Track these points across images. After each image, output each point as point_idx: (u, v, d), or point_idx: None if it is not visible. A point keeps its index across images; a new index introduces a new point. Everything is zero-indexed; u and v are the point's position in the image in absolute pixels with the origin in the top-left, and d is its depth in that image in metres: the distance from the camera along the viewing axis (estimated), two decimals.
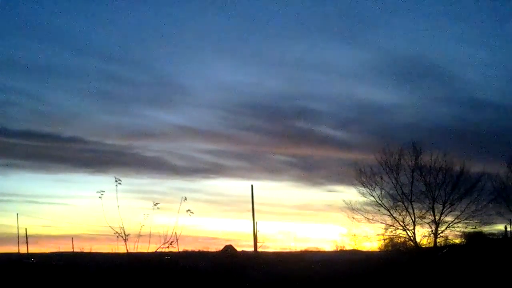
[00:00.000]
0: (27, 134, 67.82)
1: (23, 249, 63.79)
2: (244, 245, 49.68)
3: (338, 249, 45.26)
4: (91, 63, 74.36)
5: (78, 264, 34.33)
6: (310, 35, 70.10)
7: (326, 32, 68.28)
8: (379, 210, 33.94)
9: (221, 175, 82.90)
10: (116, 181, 16.81)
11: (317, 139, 63.02)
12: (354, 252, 38.95)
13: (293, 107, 67.68)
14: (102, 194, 16.54)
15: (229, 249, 40.87)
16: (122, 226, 18.61)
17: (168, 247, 25.77)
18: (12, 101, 73.16)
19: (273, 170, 69.49)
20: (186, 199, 18.16)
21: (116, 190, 15.60)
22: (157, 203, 17.88)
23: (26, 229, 76.99)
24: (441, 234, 33.52)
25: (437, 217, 33.20)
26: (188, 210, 17.71)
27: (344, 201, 35.31)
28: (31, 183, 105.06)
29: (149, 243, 26.25)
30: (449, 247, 33.34)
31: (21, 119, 76.28)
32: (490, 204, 32.61)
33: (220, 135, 69.77)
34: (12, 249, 70.30)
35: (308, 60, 70.25)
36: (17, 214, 69.27)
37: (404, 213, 33.55)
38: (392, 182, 33.78)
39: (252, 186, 46.63)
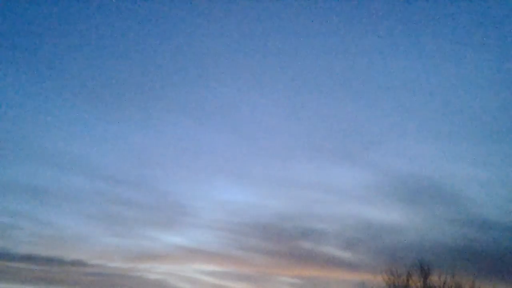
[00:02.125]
0: (30, 258, 67.24)
1: None
2: None
3: None
4: (95, 185, 75.16)
5: None
6: (314, 155, 71.24)
7: (331, 152, 69.44)
8: None
9: None
10: None
11: (323, 259, 62.13)
12: None
13: (298, 227, 67.34)
14: None
15: None
16: None
17: None
18: (15, 224, 73.25)
19: None
20: None
21: None
22: None
23: None
24: None
25: None
26: None
27: None
28: None
29: None
30: None
31: (24, 242, 75.96)
32: None
33: (224, 256, 68.86)
34: None
35: (312, 180, 70.79)
36: None
37: None
38: None
39: None
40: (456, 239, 54.07)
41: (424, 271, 33.27)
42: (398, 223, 66.92)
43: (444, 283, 32.85)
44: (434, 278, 33.19)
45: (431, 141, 67.56)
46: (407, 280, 33.38)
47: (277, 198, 76.74)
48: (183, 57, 70.40)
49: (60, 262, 68.70)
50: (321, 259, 63.53)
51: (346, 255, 69.51)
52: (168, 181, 75.99)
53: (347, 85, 68.90)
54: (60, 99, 72.13)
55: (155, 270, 75.13)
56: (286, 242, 68.79)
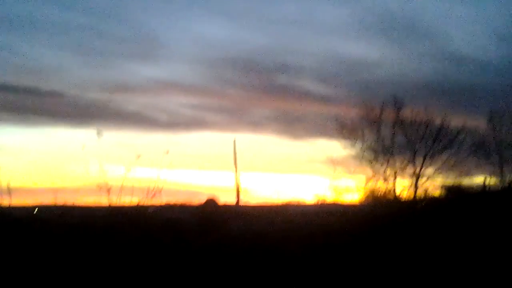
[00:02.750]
0: (5, 87, 66.51)
1: (5, 202, 63.45)
2: (227, 198, 49.98)
3: (319, 202, 45.79)
4: (70, 16, 72.59)
5: (61, 217, 34.35)
6: None
7: None
8: (360, 162, 34.50)
9: (203, 128, 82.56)
10: (98, 133, 16.82)
11: (299, 93, 62.76)
12: (335, 205, 39.44)
13: (275, 62, 66.97)
14: (84, 147, 16.55)
15: (211, 202, 41.13)
16: (104, 179, 18.74)
17: (151, 199, 25.99)
18: None
19: (255, 124, 69.31)
20: (168, 152, 18.23)
21: (98, 143, 15.70)
22: (139, 156, 17.97)
23: (8, 182, 76.62)
24: (421, 187, 34.19)
25: (417, 170, 33.84)
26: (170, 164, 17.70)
27: (325, 154, 35.80)
28: (11, 136, 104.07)
29: (132, 196, 26.48)
30: (428, 199, 33.98)
31: None
32: (470, 157, 33.33)
33: (201, 89, 69.01)
34: None
35: (289, 15, 69.20)
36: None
37: (385, 165, 34.14)
38: (374, 136, 34.27)
39: (234, 140, 46.88)
40: (430, 74, 54.74)
41: (397, 105, 33.97)
42: (374, 58, 66.89)
43: (416, 117, 33.76)
44: (406, 112, 34.03)
45: None
46: (380, 114, 34.16)
47: (256, 32, 75.44)
48: None
49: (36, 92, 68.34)
50: (297, 93, 64.21)
51: (322, 89, 70.31)
52: (143, 11, 73.59)
53: None
54: None
55: (132, 102, 75.42)
56: (263, 76, 68.91)
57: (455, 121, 34.23)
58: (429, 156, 33.70)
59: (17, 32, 71.51)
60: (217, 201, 42.20)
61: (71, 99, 67.96)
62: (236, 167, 45.60)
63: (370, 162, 34.24)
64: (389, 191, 34.51)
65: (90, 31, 69.99)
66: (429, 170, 33.95)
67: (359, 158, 34.58)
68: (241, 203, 46.63)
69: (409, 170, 34.09)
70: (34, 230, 27.33)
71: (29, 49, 70.96)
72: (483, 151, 33.93)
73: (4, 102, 67.32)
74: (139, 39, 69.91)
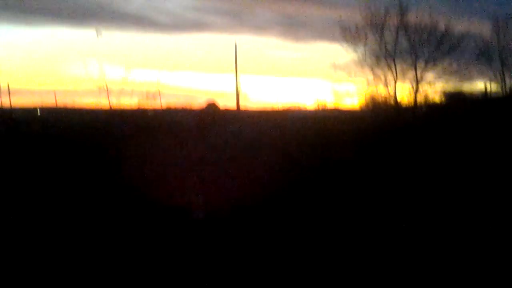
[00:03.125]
0: None
1: (5, 103, 63.61)
2: (227, 102, 49.98)
3: (320, 107, 45.81)
4: None
5: (63, 118, 34.50)
6: None
7: None
8: (361, 67, 34.18)
9: (204, 30, 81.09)
10: (97, 33, 16.44)
11: None
12: (335, 111, 39.46)
13: None
14: (84, 47, 16.18)
15: (211, 106, 41.06)
16: (104, 81, 18.59)
17: (150, 102, 25.91)
18: None
19: (257, 26, 68.01)
20: (168, 54, 17.87)
21: (97, 43, 15.40)
22: (139, 57, 17.67)
23: (8, 83, 76.51)
24: (421, 92, 34.06)
25: (418, 75, 33.57)
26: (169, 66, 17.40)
27: (327, 58, 35.57)
28: (11, 35, 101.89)
29: (131, 97, 26.37)
30: (429, 105, 33.94)
31: None
32: (472, 63, 32.99)
33: None
34: None
35: None
36: None
37: (386, 70, 33.87)
38: (376, 40, 33.74)
39: (235, 43, 46.18)
40: None
41: (401, 9, 33.17)
42: None
43: (420, 21, 33.08)
44: (410, 16, 33.29)
45: None
46: (384, 18, 33.43)
47: None
48: None
49: None
50: None
51: None
52: None
53: None
54: None
55: (132, 2, 73.42)
56: None
57: (459, 26, 33.59)
58: (431, 61, 33.28)
59: None
60: (217, 105, 42.19)
61: None
62: (236, 71, 45.21)
63: (372, 66, 33.92)
64: (390, 96, 34.43)
65: None
66: (430, 76, 33.71)
67: (361, 62, 34.23)
68: (242, 107, 46.66)
69: (410, 75, 33.86)
70: (34, 130, 27.56)
71: None
72: (485, 57, 33.52)
73: (3, 0, 65.67)
74: None
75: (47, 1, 63.41)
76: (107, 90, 20.88)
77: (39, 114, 39.92)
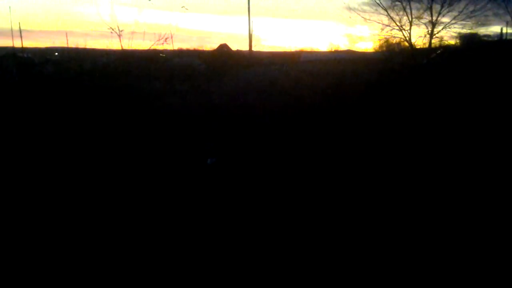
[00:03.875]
0: None
1: (17, 43, 63.70)
2: (239, 45, 49.55)
3: (333, 50, 45.31)
4: None
5: (74, 58, 34.43)
6: None
7: None
8: (376, 9, 33.64)
9: None
10: None
11: None
12: (349, 53, 39.06)
13: None
14: None
15: (223, 48, 40.62)
16: (116, 22, 18.43)
17: (162, 44, 25.81)
18: None
19: None
20: None
21: None
22: None
23: (19, 23, 76.26)
24: (436, 35, 33.59)
25: (434, 18, 33.01)
26: (183, 7, 17.34)
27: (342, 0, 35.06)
28: None
29: (143, 40, 26.30)
30: (444, 48, 33.45)
31: None
32: (488, 5, 32.25)
33: None
34: (6, 43, 69.68)
35: None
36: (10, 7, 67.95)
37: (401, 13, 33.36)
38: None
39: None
40: None
41: None
42: None
43: None
44: None
45: None
46: None
47: None
48: None
49: None
50: None
51: None
52: None
53: None
54: None
55: None
56: None
57: None
58: (447, 2, 32.66)
59: None
60: (229, 47, 41.76)
61: None
62: (249, 13, 44.54)
63: (387, 9, 33.34)
64: (404, 39, 33.97)
65: None
66: (446, 19, 33.12)
67: (375, 5, 33.65)
68: (254, 49, 46.26)
69: (426, 18, 33.28)
70: (46, 71, 27.59)
71: None
72: None
73: None
74: None
75: None
76: (119, 32, 20.68)
77: (56, 56, 39.80)
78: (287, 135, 11.07)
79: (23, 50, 52.46)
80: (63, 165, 8.91)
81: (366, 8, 34.08)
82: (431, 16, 32.98)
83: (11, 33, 67.49)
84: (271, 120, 12.89)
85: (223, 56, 35.38)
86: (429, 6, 32.88)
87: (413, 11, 33.18)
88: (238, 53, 42.05)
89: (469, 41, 33.76)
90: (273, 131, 11.52)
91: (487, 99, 15.04)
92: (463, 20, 32.70)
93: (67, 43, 57.73)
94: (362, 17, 33.97)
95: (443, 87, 17.81)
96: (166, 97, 17.39)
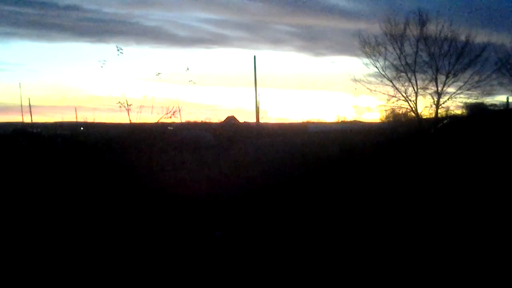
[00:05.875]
0: (24, 1, 65.34)
1: (26, 119, 64.76)
2: (246, 116, 50.07)
3: (340, 121, 45.64)
4: None
5: (82, 133, 34.71)
6: None
7: None
8: (381, 81, 33.96)
9: (223, 44, 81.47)
10: (118, 50, 16.53)
11: (320, 7, 61.22)
12: (355, 123, 39.30)
13: None
14: (104, 64, 16.33)
15: (231, 120, 41.01)
16: (124, 97, 18.64)
17: (170, 117, 25.93)
18: None
19: (275, 40, 68.13)
20: (188, 69, 17.95)
21: (117, 59, 15.47)
22: (159, 73, 17.77)
23: (29, 99, 77.61)
24: (442, 105, 33.74)
25: (439, 88, 33.28)
26: (190, 81, 17.59)
27: (347, 71, 35.44)
28: (32, 52, 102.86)
29: (151, 113, 26.42)
30: (450, 118, 33.57)
31: None
32: (493, 75, 32.54)
33: (221, 3, 67.56)
34: (15, 118, 70.87)
35: None
36: (19, 84, 69.41)
37: (406, 84, 33.62)
38: (396, 53, 33.52)
39: (254, 57, 46.21)
40: None
41: (422, 19, 32.92)
42: None
43: (441, 32, 32.81)
44: (431, 27, 33.03)
45: None
46: (404, 29, 33.21)
47: None
48: None
49: (54, 5, 67.13)
50: (318, 7, 62.66)
51: (343, 3, 68.39)
52: None
53: None
54: None
55: (151, 17, 74.12)
56: None
57: (480, 37, 33.27)
58: (452, 73, 33.01)
59: None
60: (236, 119, 42.16)
61: (89, 14, 67.06)
62: (256, 86, 45.18)
63: (392, 80, 33.73)
64: (411, 110, 34.19)
65: None
66: (451, 89, 33.42)
67: (381, 76, 34.07)
68: (261, 121, 46.68)
69: (431, 88, 33.60)
70: (56, 145, 27.73)
71: None
72: (507, 68, 33.14)
73: (23, 17, 66.51)
74: None
75: (68, 17, 64.26)
76: (128, 106, 20.87)
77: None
78: (294, 208, 10.96)
79: (32, 125, 53.22)
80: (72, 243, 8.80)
81: (371, 79, 34.40)
82: (437, 86, 33.29)
83: (21, 109, 68.84)
84: (278, 192, 12.77)
85: (231, 129, 35.68)
86: (434, 77, 33.27)
87: (419, 82, 33.54)
88: (246, 125, 42.39)
89: (475, 111, 33.89)
90: (280, 204, 11.39)
91: (494, 167, 14.95)
92: (468, 90, 32.96)
93: (76, 117, 58.66)
94: (368, 88, 34.31)
95: (450, 156, 17.76)
96: (174, 171, 17.34)
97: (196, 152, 22.45)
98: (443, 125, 31.41)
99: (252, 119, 46.44)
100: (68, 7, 64.11)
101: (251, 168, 17.14)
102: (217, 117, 45.27)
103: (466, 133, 24.64)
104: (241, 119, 46.55)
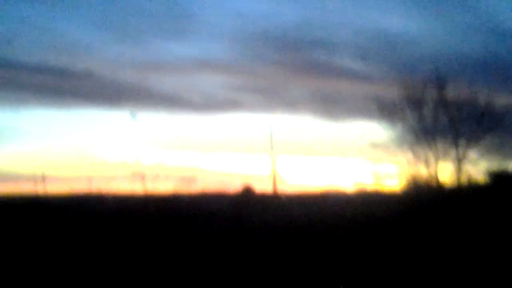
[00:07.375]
0: (35, 68, 65.87)
1: (40, 189, 64.28)
2: (263, 185, 49.30)
3: (359, 189, 44.67)
4: None
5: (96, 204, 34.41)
6: None
7: None
8: (400, 145, 33.31)
9: (237, 109, 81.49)
10: (132, 116, 16.21)
11: (337, 71, 61.06)
12: (375, 194, 38.35)
13: (311, 37, 64.98)
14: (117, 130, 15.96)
15: (247, 192, 40.46)
16: (139, 166, 18.24)
17: (186, 187, 25.35)
18: (20, 32, 71.19)
19: (291, 104, 67.88)
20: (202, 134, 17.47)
21: (131, 126, 15.18)
22: (173, 140, 17.30)
23: (43, 170, 77.44)
24: (464, 172, 32.86)
25: (460, 153, 32.46)
26: (204, 149, 17.05)
27: (364, 136, 34.92)
28: (44, 119, 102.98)
29: (166, 182, 25.97)
30: (473, 185, 32.64)
31: (30, 50, 74.12)
32: None
33: (235, 67, 67.57)
34: (27, 187, 70.49)
35: None
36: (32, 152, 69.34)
37: (426, 148, 32.87)
38: (415, 117, 32.91)
39: (271, 126, 46.09)
40: (474, 49, 52.15)
41: (440, 83, 32.33)
42: (415, 32, 64.71)
43: (460, 96, 32.24)
44: (449, 91, 32.47)
45: None
46: (422, 93, 32.72)
47: (290, 6, 73.78)
48: None
49: (67, 73, 67.64)
50: (334, 70, 62.58)
51: (359, 66, 68.46)
52: None
53: None
54: None
55: (165, 82, 74.67)
56: (298, 53, 67.36)
57: (501, 101, 32.51)
58: (473, 138, 32.25)
59: (48, 10, 71.05)
60: (253, 189, 41.55)
61: (103, 80, 67.73)
62: (272, 154, 44.68)
63: (411, 145, 33.03)
64: (431, 177, 33.30)
65: (122, 7, 69.44)
66: (472, 154, 32.60)
67: (400, 141, 33.41)
68: (278, 191, 45.86)
69: (452, 153, 32.82)
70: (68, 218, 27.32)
71: (60, 27, 70.52)
72: None
73: (35, 83, 67.21)
74: (172, 15, 68.89)
75: (78, 83, 64.85)
76: (142, 175, 20.62)
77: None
78: None
79: (46, 196, 53.00)
80: None
81: (389, 144, 33.75)
82: (457, 151, 32.52)
83: (34, 180, 68.48)
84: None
85: (246, 199, 35.08)
86: (454, 141, 32.52)
87: (439, 146, 32.79)
88: (262, 195, 41.74)
89: (498, 177, 32.97)
90: None
91: None
92: (491, 154, 32.17)
93: (90, 188, 58.27)
94: (386, 153, 33.64)
95: (473, 224, 17.15)
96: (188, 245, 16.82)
97: (210, 225, 21.83)
98: (466, 194, 30.51)
99: (269, 186, 45.72)
100: (81, 73, 64.55)
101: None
102: (233, 186, 44.50)
103: (490, 204, 23.84)
104: (258, 185, 45.89)
